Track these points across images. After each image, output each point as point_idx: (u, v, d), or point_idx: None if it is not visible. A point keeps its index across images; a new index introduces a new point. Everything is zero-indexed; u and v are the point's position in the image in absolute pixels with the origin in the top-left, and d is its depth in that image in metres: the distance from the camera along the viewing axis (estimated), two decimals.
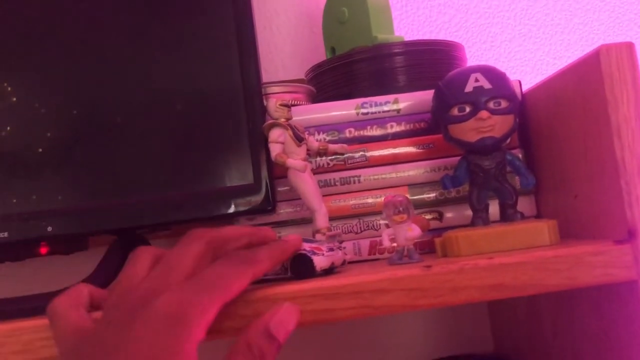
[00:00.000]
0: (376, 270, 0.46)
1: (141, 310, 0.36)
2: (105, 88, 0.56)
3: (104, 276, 0.50)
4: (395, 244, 0.50)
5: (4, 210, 0.54)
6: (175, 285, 0.37)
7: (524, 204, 0.60)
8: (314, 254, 0.47)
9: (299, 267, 0.47)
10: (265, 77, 0.67)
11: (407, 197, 0.50)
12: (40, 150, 0.55)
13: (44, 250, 0.55)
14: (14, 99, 0.56)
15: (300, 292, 0.43)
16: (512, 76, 0.58)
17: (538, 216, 0.61)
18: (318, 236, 0.52)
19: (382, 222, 0.58)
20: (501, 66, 0.68)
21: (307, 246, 0.48)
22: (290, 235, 0.48)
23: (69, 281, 0.51)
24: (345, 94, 0.65)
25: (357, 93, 0.63)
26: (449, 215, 0.60)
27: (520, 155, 0.59)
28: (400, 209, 0.49)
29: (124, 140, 0.56)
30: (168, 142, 0.56)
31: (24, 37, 0.57)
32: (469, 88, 0.52)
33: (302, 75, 0.72)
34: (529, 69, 0.88)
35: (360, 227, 0.60)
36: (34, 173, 0.55)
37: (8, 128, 0.56)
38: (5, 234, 0.53)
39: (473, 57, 0.86)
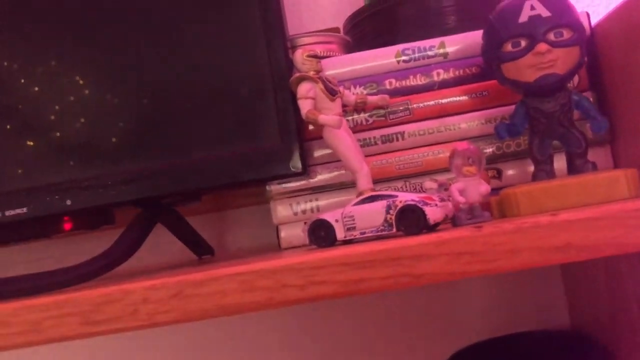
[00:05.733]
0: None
1: None
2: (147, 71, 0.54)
3: (121, 250, 0.46)
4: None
5: (21, 185, 0.51)
6: None
7: (598, 155, 0.51)
8: (426, 204, 0.41)
9: (409, 220, 0.41)
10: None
11: (479, 148, 0.43)
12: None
13: (67, 226, 0.52)
14: None
15: (327, 261, 0.37)
16: (579, 7, 0.49)
17: (615, 168, 0.52)
18: (427, 184, 0.46)
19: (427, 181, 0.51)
20: None
21: (415, 197, 0.42)
22: None
23: None
24: (388, 42, 0.58)
25: (401, 40, 0.56)
26: (509, 172, 0.53)
27: (591, 99, 0.51)
28: (472, 159, 0.43)
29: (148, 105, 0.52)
30: (188, 105, 0.52)
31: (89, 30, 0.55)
32: (523, 18, 0.44)
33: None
34: None
35: (408, 190, 0.53)
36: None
37: None
38: (24, 210, 0.50)
39: None
